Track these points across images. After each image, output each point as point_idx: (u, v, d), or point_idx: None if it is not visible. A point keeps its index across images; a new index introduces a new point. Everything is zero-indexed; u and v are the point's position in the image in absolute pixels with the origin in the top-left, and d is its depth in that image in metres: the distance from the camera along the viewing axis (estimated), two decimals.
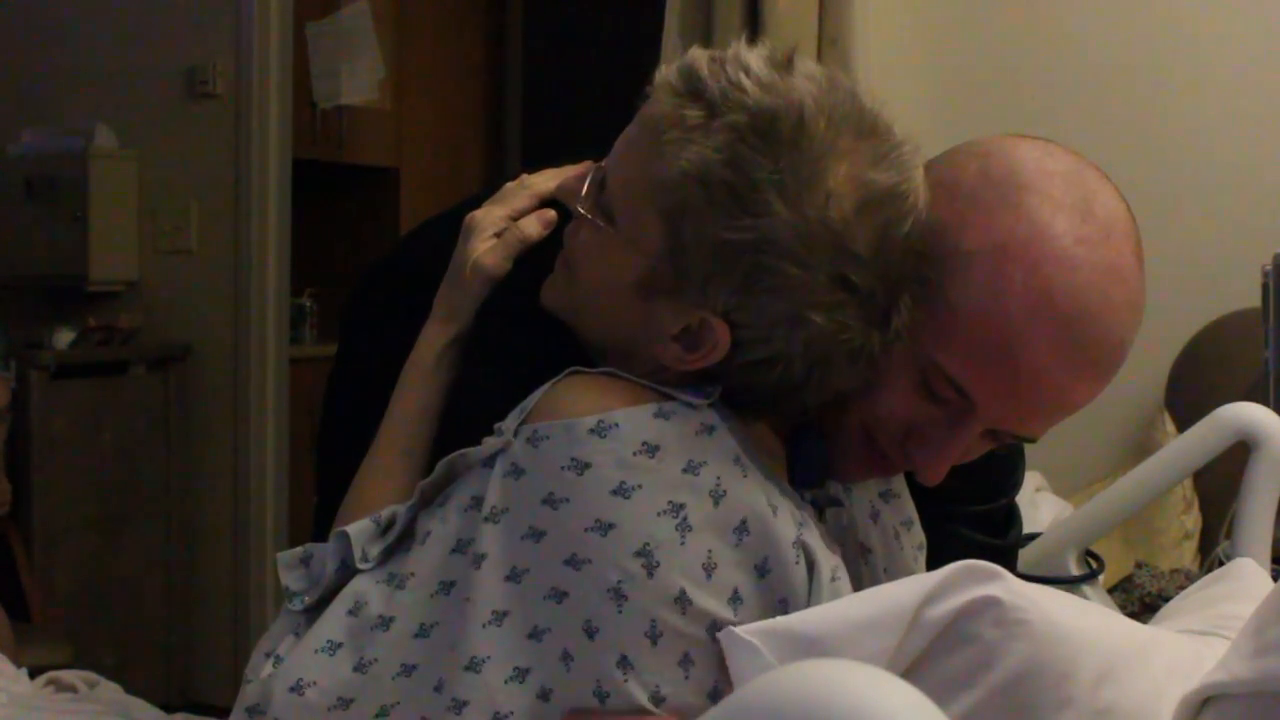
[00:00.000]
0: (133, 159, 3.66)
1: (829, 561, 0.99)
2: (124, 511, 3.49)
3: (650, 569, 0.90)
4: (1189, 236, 2.70)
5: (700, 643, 0.92)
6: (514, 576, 0.93)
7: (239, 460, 3.57)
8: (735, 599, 0.93)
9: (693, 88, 0.96)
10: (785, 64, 0.96)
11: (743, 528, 0.94)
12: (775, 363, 0.96)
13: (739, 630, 0.84)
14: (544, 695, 0.91)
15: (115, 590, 3.46)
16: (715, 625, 0.92)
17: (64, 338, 3.44)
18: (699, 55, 0.98)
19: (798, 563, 0.96)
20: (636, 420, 0.94)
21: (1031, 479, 2.36)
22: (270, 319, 3.56)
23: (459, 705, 0.91)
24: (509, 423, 0.97)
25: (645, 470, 0.92)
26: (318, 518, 1.20)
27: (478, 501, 0.96)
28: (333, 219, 4.67)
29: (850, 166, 0.93)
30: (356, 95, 4.42)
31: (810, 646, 0.82)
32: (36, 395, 3.27)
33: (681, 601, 0.91)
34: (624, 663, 0.91)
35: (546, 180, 1.15)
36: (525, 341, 1.08)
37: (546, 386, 0.97)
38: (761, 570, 0.95)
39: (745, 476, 0.95)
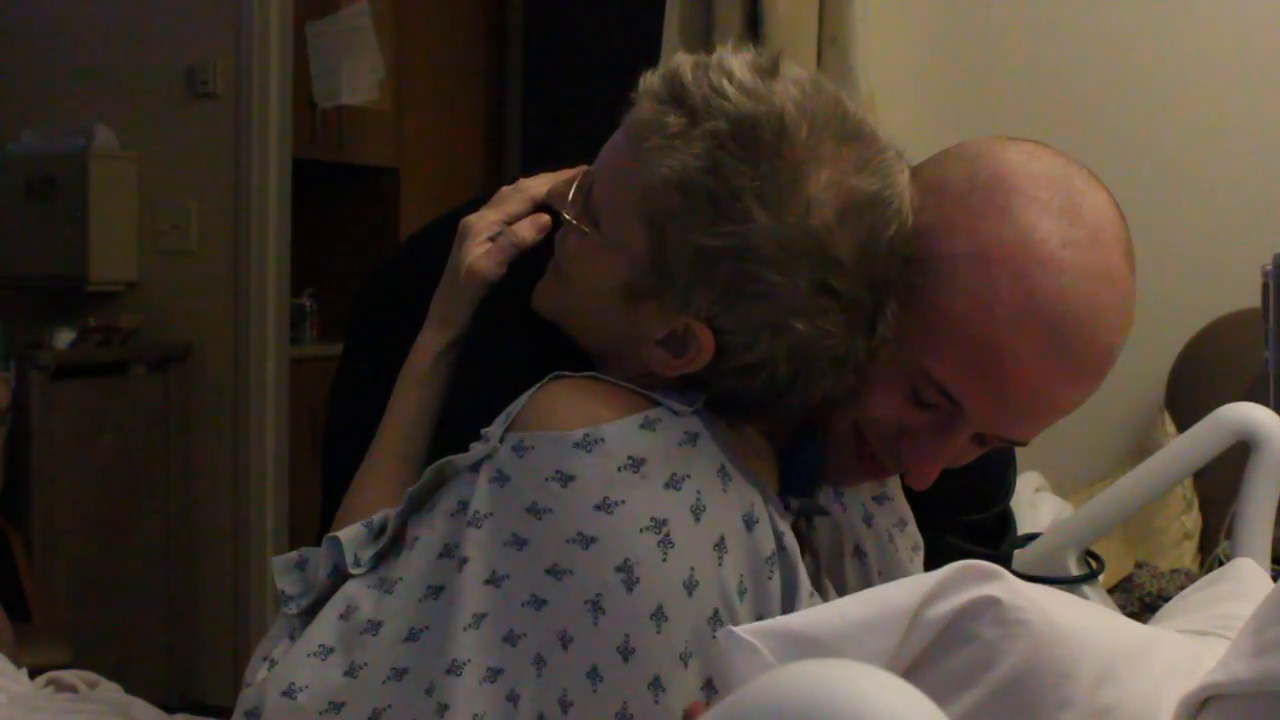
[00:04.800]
0: (133, 159, 3.66)
1: (806, 576, 0.99)
2: (124, 511, 3.49)
3: (630, 584, 0.91)
4: (1189, 236, 2.70)
5: (672, 665, 0.91)
6: (494, 580, 0.93)
7: (239, 460, 3.57)
8: (715, 619, 0.93)
9: (675, 94, 0.96)
10: (770, 69, 0.96)
11: (721, 544, 0.94)
12: (760, 369, 0.96)
13: (739, 630, 0.84)
14: (512, 698, 0.91)
15: (115, 590, 3.46)
16: (690, 646, 0.92)
17: (64, 338, 3.44)
18: (683, 60, 0.98)
19: (770, 578, 0.96)
20: (622, 434, 0.93)
21: (1031, 479, 2.36)
22: (270, 319, 3.56)
23: (442, 709, 0.92)
24: (494, 429, 0.97)
25: (629, 486, 0.92)
26: (323, 517, 1.21)
27: (464, 506, 0.96)
28: (333, 219, 4.68)
29: (832, 173, 0.93)
30: (356, 95, 4.42)
31: (810, 646, 0.82)
32: (36, 395, 3.27)
33: (658, 619, 0.91)
34: (594, 675, 0.91)
35: (541, 184, 1.16)
36: (520, 346, 1.08)
37: (530, 392, 0.97)
38: (740, 590, 0.95)
39: (726, 491, 0.95)
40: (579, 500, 0.92)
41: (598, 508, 0.91)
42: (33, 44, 3.77)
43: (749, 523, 0.96)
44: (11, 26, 3.80)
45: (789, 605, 0.98)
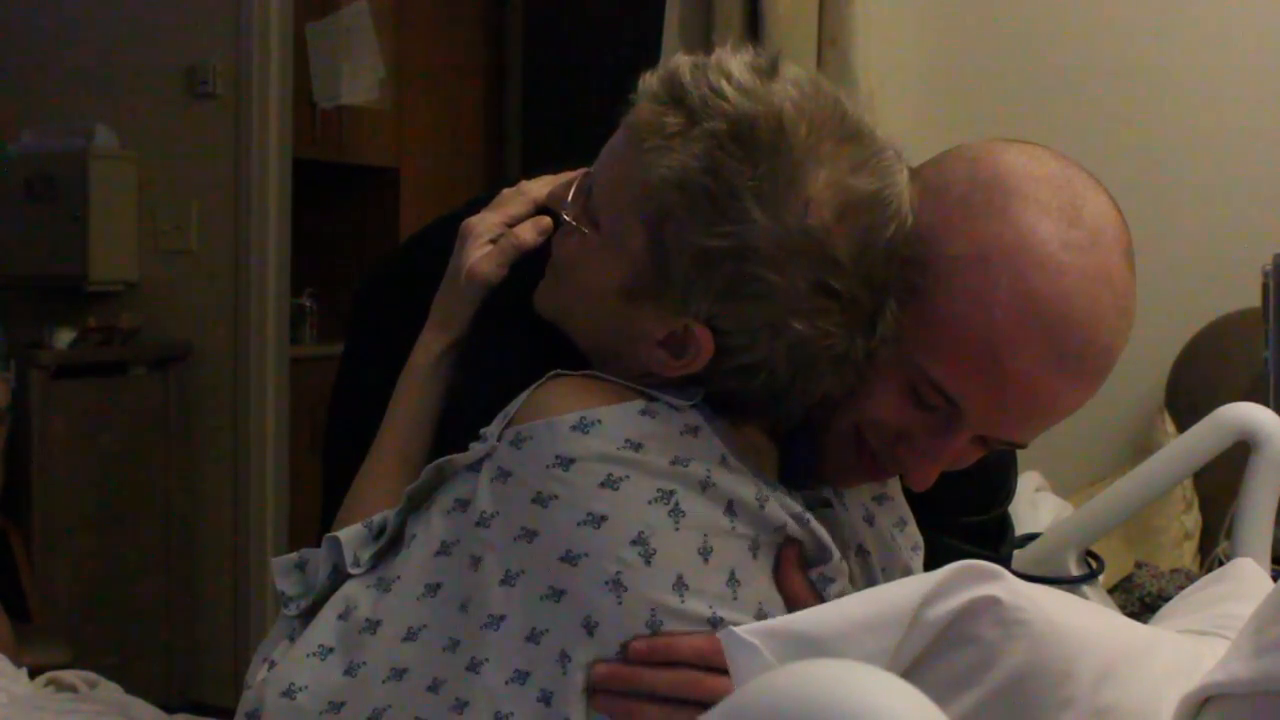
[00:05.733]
0: (133, 159, 3.66)
1: (834, 544, 1.00)
2: (124, 511, 3.49)
3: (648, 556, 0.91)
4: (1189, 236, 2.70)
5: (702, 626, 0.92)
6: (509, 580, 0.93)
7: (239, 460, 3.57)
8: (733, 580, 0.93)
9: (674, 94, 0.96)
10: (769, 70, 0.96)
11: (731, 510, 0.94)
12: (759, 369, 0.96)
13: (739, 630, 0.84)
14: (545, 699, 0.91)
15: (115, 590, 3.46)
16: (715, 609, 0.92)
17: (64, 338, 3.44)
18: (682, 61, 0.98)
19: (784, 540, 0.97)
20: (620, 417, 0.94)
21: (1031, 479, 2.36)
22: (270, 319, 3.56)
23: (460, 705, 0.92)
24: (493, 428, 0.97)
25: (631, 462, 0.92)
26: (324, 518, 1.21)
27: (462, 504, 0.96)
28: (333, 219, 4.68)
29: (830, 173, 0.93)
30: (356, 95, 4.42)
31: (810, 646, 0.82)
32: (36, 395, 3.27)
33: (680, 587, 0.91)
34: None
35: (542, 186, 1.16)
36: (520, 347, 1.08)
37: (529, 390, 0.97)
38: (754, 550, 0.95)
39: (732, 473, 0.96)
40: (583, 481, 0.92)
41: (603, 485, 0.92)
42: (33, 44, 3.77)
43: (760, 501, 0.96)
44: (11, 26, 3.80)
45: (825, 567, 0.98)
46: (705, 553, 0.93)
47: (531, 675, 0.91)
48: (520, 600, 0.92)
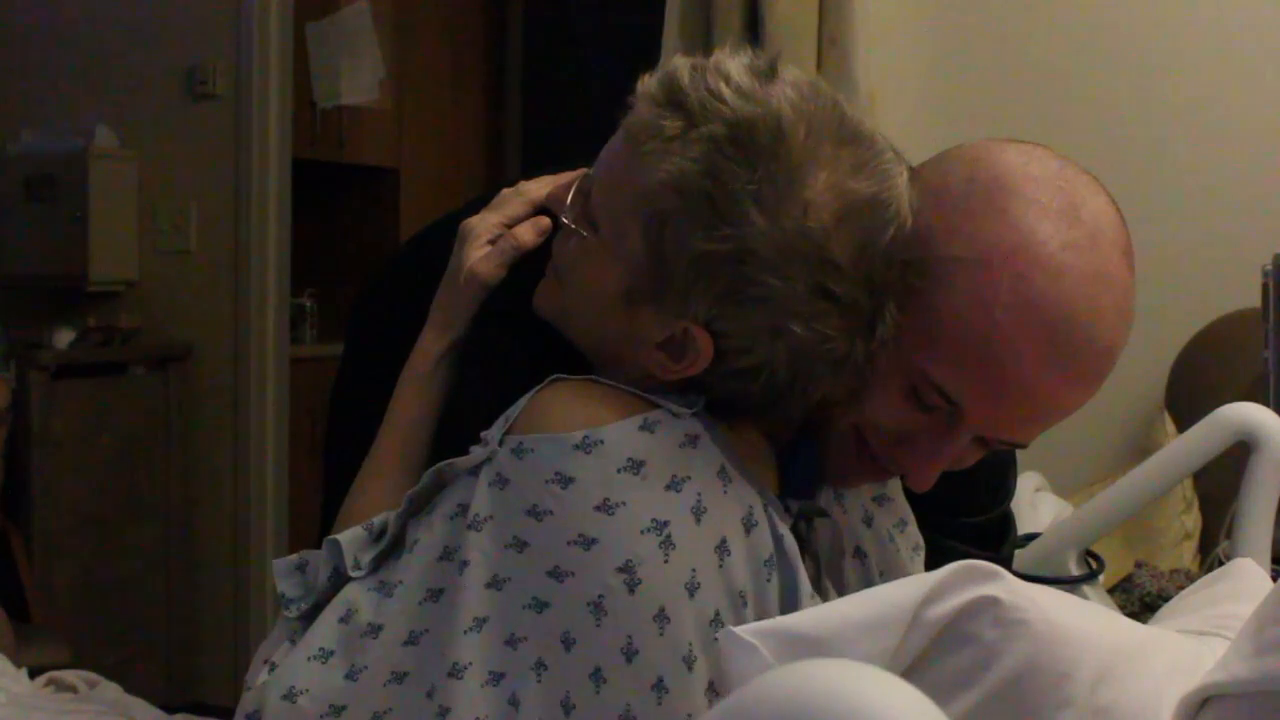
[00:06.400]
0: (133, 159, 3.66)
1: (807, 578, 1.00)
2: (124, 511, 3.49)
3: (632, 585, 0.91)
4: (1189, 236, 2.70)
5: (676, 667, 0.91)
6: (495, 584, 0.93)
7: (239, 460, 3.57)
8: (717, 621, 0.93)
9: (673, 97, 0.96)
10: (767, 72, 0.96)
11: (723, 546, 0.94)
12: (759, 372, 0.96)
13: (738, 630, 0.84)
14: (514, 702, 0.91)
15: (115, 590, 3.46)
16: (693, 646, 0.92)
17: (64, 338, 3.44)
18: (680, 64, 0.98)
19: (769, 580, 0.97)
20: (621, 435, 0.93)
21: (1031, 479, 2.36)
22: (270, 319, 3.56)
23: (444, 711, 0.92)
24: (493, 432, 0.97)
25: (629, 487, 0.92)
26: (324, 517, 1.21)
27: (464, 509, 0.96)
28: (333, 219, 4.68)
29: (830, 175, 0.93)
30: (356, 95, 4.42)
31: (810, 646, 0.82)
32: (36, 395, 3.27)
33: (660, 620, 0.91)
34: (597, 676, 0.91)
35: (541, 187, 1.16)
36: (520, 348, 1.08)
37: (529, 395, 0.97)
38: (741, 594, 0.95)
39: (726, 491, 0.95)
40: (579, 502, 0.92)
41: (598, 509, 0.91)
42: (33, 44, 3.77)
43: (748, 526, 0.96)
44: (11, 26, 3.80)
45: (790, 608, 0.97)
46: (692, 589, 0.92)
47: (505, 677, 0.92)
48: (503, 604, 0.92)
